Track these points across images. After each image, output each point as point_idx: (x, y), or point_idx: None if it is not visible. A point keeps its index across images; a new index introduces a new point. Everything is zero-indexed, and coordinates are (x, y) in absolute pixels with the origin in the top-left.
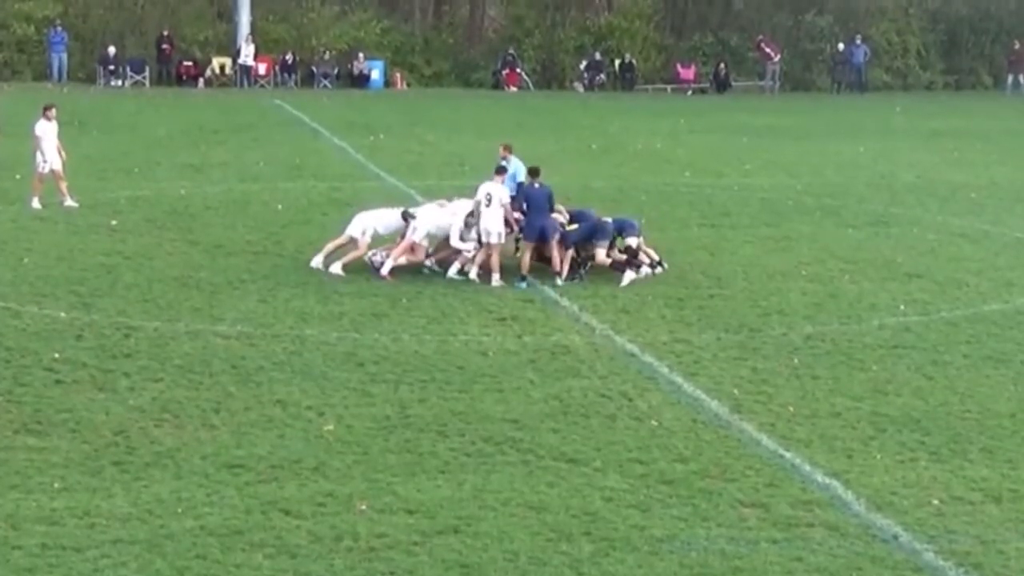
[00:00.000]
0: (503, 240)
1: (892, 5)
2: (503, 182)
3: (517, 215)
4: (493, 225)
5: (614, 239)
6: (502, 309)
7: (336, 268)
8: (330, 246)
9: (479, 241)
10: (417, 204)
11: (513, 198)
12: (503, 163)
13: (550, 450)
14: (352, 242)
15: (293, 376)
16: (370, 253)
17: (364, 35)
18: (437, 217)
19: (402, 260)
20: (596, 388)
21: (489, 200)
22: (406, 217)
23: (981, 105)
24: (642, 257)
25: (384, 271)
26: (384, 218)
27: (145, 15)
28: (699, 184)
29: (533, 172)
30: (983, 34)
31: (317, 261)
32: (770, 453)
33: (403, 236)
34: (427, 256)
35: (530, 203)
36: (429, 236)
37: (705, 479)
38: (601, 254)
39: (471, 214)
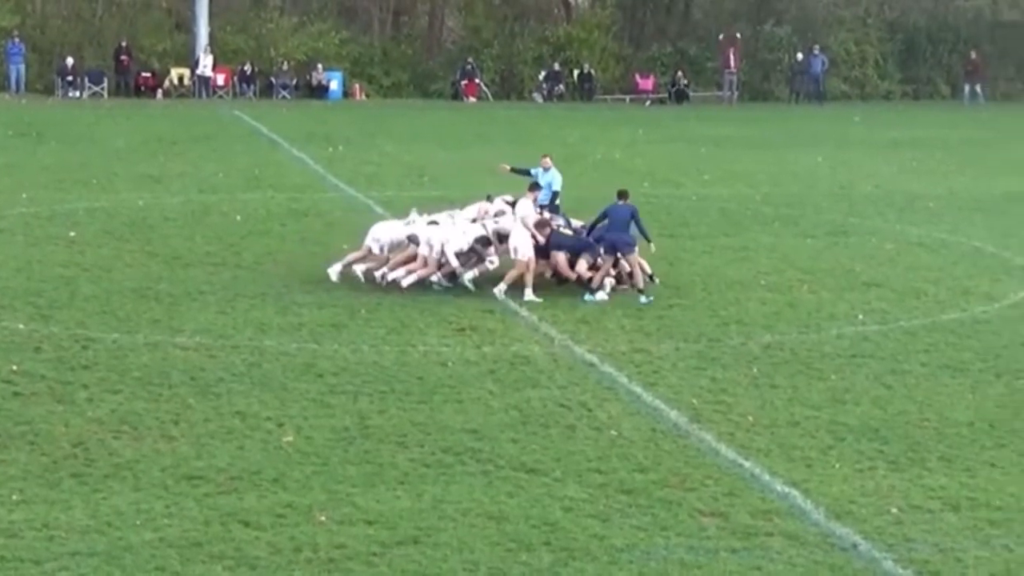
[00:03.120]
0: (530, 255)
1: (850, 15)
2: (535, 200)
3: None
4: (517, 241)
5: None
6: (461, 319)
7: (359, 270)
8: (350, 257)
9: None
10: (378, 215)
11: (545, 207)
12: (545, 176)
13: (510, 460)
14: (370, 253)
15: (252, 387)
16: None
17: (323, 46)
18: (447, 232)
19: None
20: (555, 398)
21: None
22: (412, 240)
23: (939, 115)
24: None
25: (405, 283)
26: (395, 231)
27: (103, 26)
28: (658, 194)
29: (622, 195)
30: (940, 44)
31: (334, 270)
32: (729, 462)
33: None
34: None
35: (611, 219)
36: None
37: (664, 489)
38: (583, 266)
39: (478, 240)
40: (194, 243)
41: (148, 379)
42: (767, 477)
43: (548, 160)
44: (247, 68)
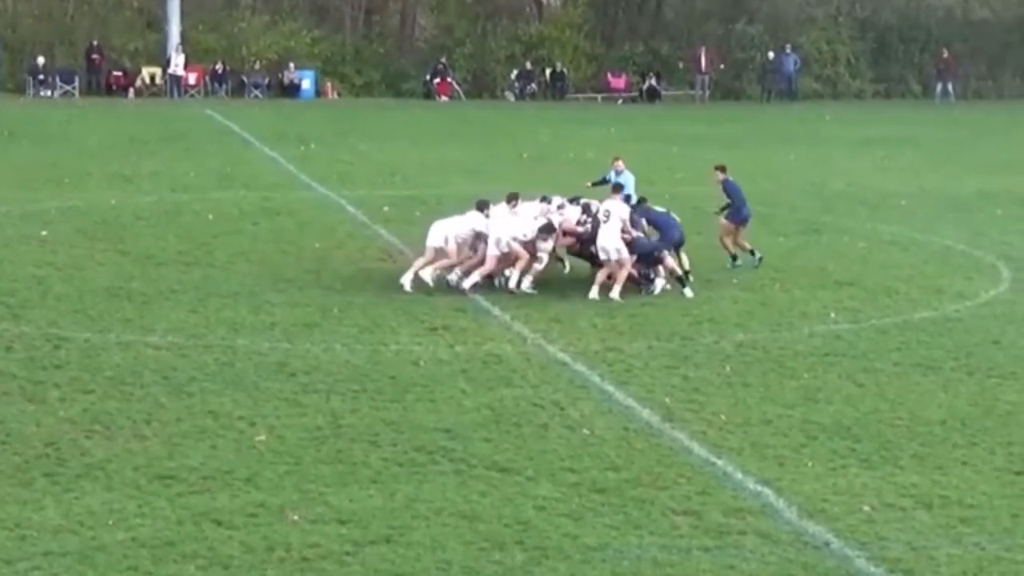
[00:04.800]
0: (623, 255)
1: (822, 14)
2: (621, 199)
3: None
4: (609, 242)
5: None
6: (434, 319)
7: (426, 275)
8: (418, 264)
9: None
10: (350, 214)
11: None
12: (618, 179)
13: (482, 459)
14: (438, 253)
15: (225, 387)
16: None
17: (295, 45)
18: (511, 227)
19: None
20: (528, 397)
21: (607, 216)
22: (481, 238)
23: (910, 113)
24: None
25: (466, 285)
26: (459, 226)
27: (75, 25)
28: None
29: (722, 168)
30: (912, 43)
31: (407, 280)
32: (702, 461)
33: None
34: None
35: (737, 193)
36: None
37: (637, 487)
38: (671, 262)
39: (544, 228)
40: (166, 242)
41: (120, 378)
42: (740, 475)
43: (621, 163)
44: (219, 67)
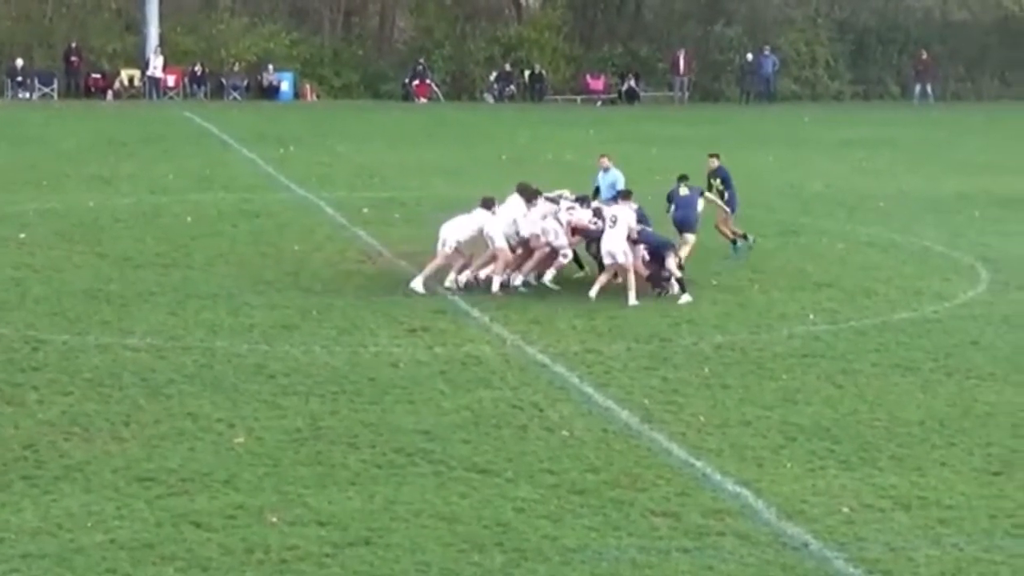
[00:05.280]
0: (628, 259)
1: (800, 16)
2: (631, 207)
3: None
4: (615, 246)
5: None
6: (413, 320)
7: (417, 284)
8: (453, 273)
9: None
10: (328, 216)
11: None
12: (605, 176)
13: (461, 461)
14: (450, 255)
15: (203, 389)
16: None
17: (274, 46)
18: (504, 225)
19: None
20: (507, 399)
21: (614, 222)
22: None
23: (889, 114)
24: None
25: (482, 273)
26: (464, 227)
27: (53, 27)
28: None
29: (717, 156)
30: (890, 44)
31: (418, 284)
32: (681, 462)
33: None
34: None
35: (729, 180)
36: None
37: (616, 489)
38: (671, 262)
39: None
40: (145, 244)
41: (99, 381)
42: (718, 477)
43: (606, 160)
44: (198, 69)
